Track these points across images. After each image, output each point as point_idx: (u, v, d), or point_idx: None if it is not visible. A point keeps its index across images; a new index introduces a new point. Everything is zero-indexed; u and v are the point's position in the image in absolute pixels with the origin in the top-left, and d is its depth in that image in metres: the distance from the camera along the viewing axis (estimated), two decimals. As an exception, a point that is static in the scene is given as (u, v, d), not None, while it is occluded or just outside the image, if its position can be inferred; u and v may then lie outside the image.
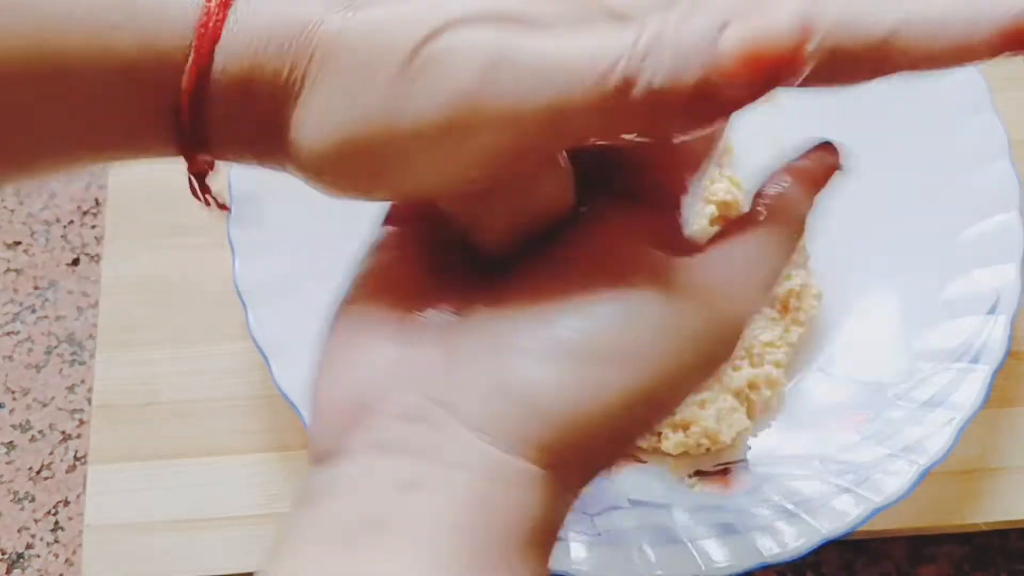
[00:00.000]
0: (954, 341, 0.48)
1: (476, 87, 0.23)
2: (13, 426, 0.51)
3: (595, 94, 0.23)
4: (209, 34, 0.24)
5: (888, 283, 0.51)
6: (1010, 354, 0.47)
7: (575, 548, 0.44)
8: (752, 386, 0.49)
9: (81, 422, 0.51)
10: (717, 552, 0.44)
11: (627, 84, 0.23)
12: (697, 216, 0.50)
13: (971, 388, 0.46)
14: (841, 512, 0.44)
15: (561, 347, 0.24)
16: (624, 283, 0.25)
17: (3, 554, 0.49)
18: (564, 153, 0.27)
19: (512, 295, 0.26)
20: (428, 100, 0.23)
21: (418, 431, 0.24)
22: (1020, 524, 0.49)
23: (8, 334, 0.53)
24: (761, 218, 0.28)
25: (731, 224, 0.28)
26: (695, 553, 0.44)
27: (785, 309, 0.50)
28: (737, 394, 0.48)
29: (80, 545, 0.48)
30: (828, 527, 0.44)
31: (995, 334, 0.47)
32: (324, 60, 0.24)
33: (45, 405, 0.52)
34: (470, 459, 0.24)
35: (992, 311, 0.48)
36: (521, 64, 0.23)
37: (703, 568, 0.43)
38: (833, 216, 0.53)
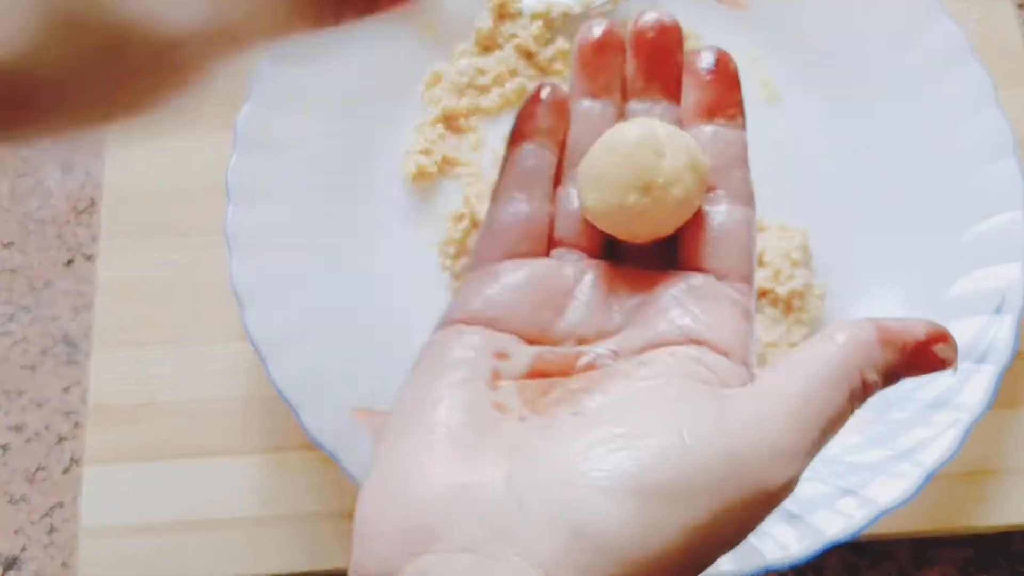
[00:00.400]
0: (959, 341, 0.47)
1: None
2: (8, 427, 0.51)
3: None
4: None
5: (892, 282, 0.51)
6: (1017, 354, 0.47)
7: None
8: (755, 387, 0.48)
9: (77, 423, 0.51)
10: (719, 555, 0.43)
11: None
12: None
13: (977, 389, 0.46)
14: (845, 515, 0.44)
15: (627, 482, 0.24)
16: (680, 420, 0.25)
17: (-2, 557, 0.49)
18: None
19: (577, 424, 0.26)
20: None
21: (477, 564, 0.24)
22: (1025, 527, 0.49)
23: (3, 334, 0.53)
24: (833, 348, 0.28)
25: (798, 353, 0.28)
26: (697, 556, 0.43)
27: (788, 309, 0.50)
28: (739, 395, 0.48)
29: (76, 548, 0.48)
30: (832, 530, 0.43)
31: (1001, 334, 0.47)
32: None
33: (40, 406, 0.51)
34: None
35: (998, 311, 0.47)
36: None
37: (705, 572, 0.43)
38: (837, 215, 0.53)
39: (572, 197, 0.32)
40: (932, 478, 0.44)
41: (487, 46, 0.56)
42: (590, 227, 0.32)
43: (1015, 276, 0.48)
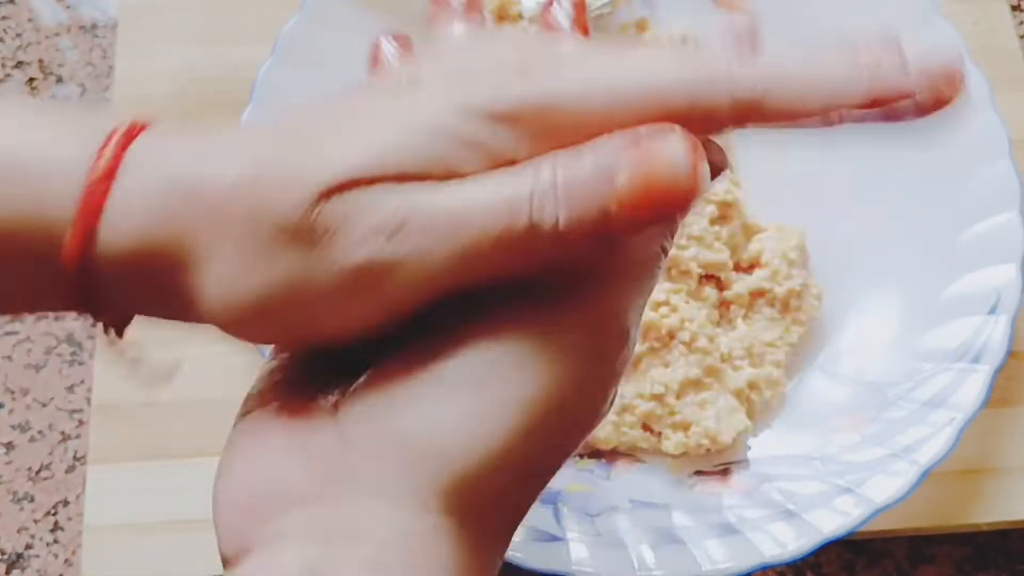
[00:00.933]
0: (955, 341, 0.48)
1: (385, 249, 0.23)
2: (12, 426, 0.51)
3: (504, 239, 0.23)
4: (91, 209, 0.23)
5: (888, 283, 0.51)
6: (1011, 354, 0.47)
7: (576, 549, 0.44)
8: (752, 386, 0.49)
9: (80, 422, 0.51)
10: (717, 552, 0.44)
11: (533, 227, 0.23)
12: (697, 216, 0.50)
13: (972, 388, 0.46)
14: (842, 512, 0.44)
15: (446, 390, 0.24)
16: (502, 330, 0.24)
17: (2, 554, 0.49)
18: None
19: (400, 367, 0.25)
20: (335, 264, 0.23)
21: (318, 514, 0.23)
22: (1021, 524, 0.49)
23: (7, 334, 0.53)
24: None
25: None
26: (695, 553, 0.44)
27: (786, 309, 0.50)
28: (737, 394, 0.48)
29: (79, 545, 0.48)
30: (829, 528, 0.44)
31: (996, 334, 0.47)
32: (218, 225, 0.23)
33: (45, 405, 0.52)
34: (373, 527, 0.23)
35: (993, 311, 0.48)
36: (427, 222, 0.23)
37: (703, 568, 0.43)
38: (834, 216, 0.53)
39: None
40: (927, 476, 0.44)
41: (487, 49, 0.57)
42: None
43: (1010, 276, 0.48)
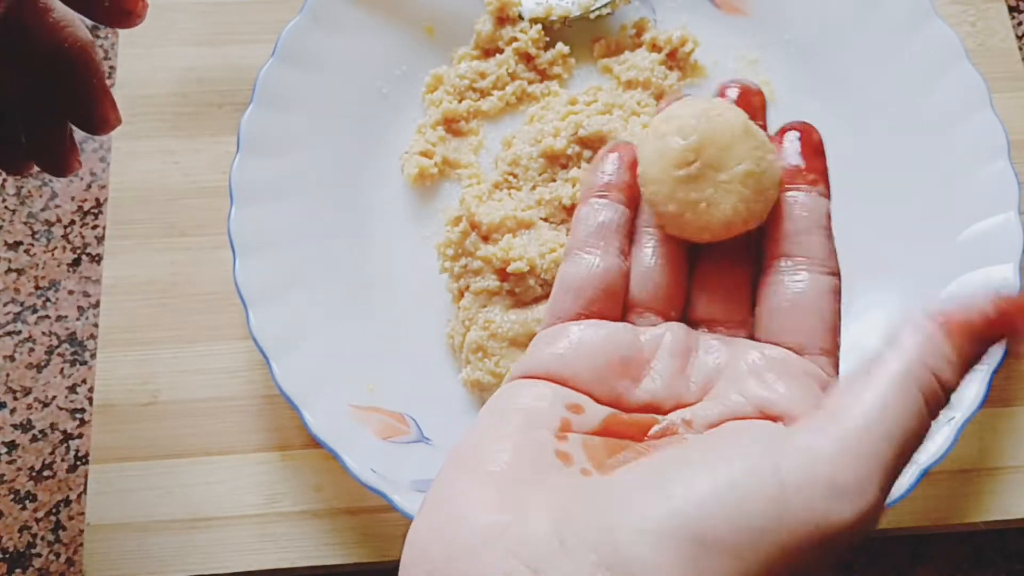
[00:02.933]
0: (953, 341, 0.48)
1: None
2: (14, 426, 0.51)
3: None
4: None
5: (888, 283, 0.51)
6: (1008, 354, 0.47)
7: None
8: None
9: (82, 422, 0.51)
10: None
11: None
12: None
13: (970, 388, 0.46)
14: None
15: (671, 527, 0.23)
16: (733, 461, 0.24)
17: (4, 553, 0.49)
18: None
19: (635, 475, 0.25)
20: None
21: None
22: (1019, 523, 0.49)
23: (9, 334, 0.53)
24: (893, 356, 0.26)
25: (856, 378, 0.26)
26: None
27: (784, 309, 0.50)
28: (736, 394, 0.48)
29: (81, 544, 0.49)
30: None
31: (994, 334, 0.47)
32: None
33: (46, 405, 0.52)
34: None
35: (991, 311, 0.48)
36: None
37: None
38: (833, 216, 0.53)
39: (647, 254, 0.32)
40: (926, 475, 0.45)
41: (487, 49, 0.57)
42: (668, 286, 0.31)
43: (1008, 277, 0.48)
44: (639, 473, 0.25)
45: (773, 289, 0.31)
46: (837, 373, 0.30)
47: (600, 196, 0.32)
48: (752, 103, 0.33)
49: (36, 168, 0.40)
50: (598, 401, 0.29)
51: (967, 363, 0.26)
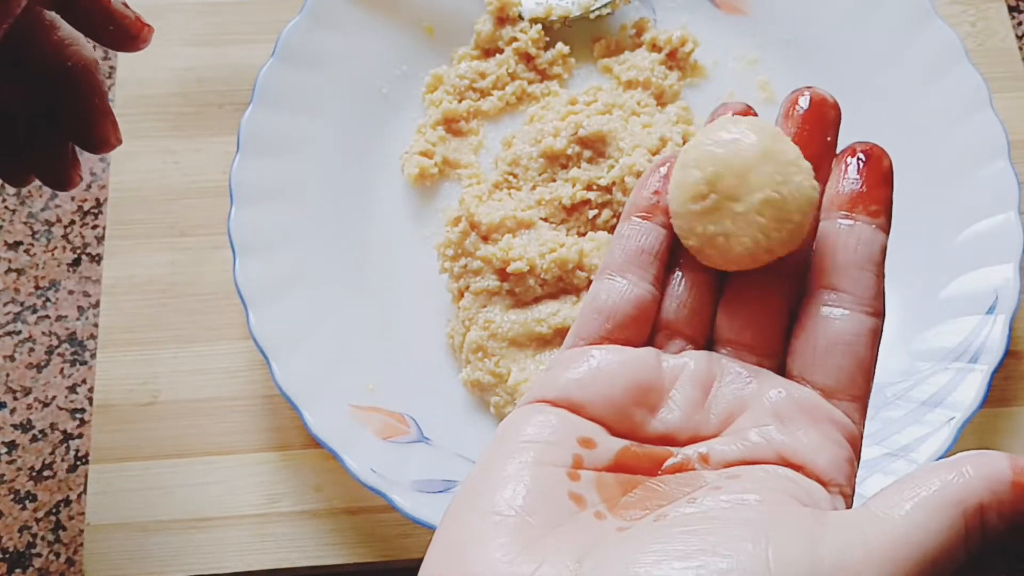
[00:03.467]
0: (953, 340, 0.48)
1: None
2: (14, 426, 0.51)
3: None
4: None
5: (887, 282, 0.51)
6: (1009, 354, 0.47)
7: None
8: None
9: (82, 422, 0.51)
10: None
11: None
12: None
13: (970, 388, 0.46)
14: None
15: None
16: (767, 541, 0.24)
17: (4, 553, 0.49)
18: None
19: (657, 532, 0.25)
20: None
21: None
22: (1019, 523, 0.49)
23: (9, 334, 0.53)
24: (953, 475, 0.25)
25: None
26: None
27: (784, 309, 0.50)
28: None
29: (81, 544, 0.49)
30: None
31: (994, 334, 0.47)
32: None
33: (46, 405, 0.52)
34: None
35: (991, 311, 0.48)
36: None
37: None
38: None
39: (680, 277, 0.31)
40: (926, 475, 0.45)
41: (487, 49, 0.57)
42: (699, 311, 0.30)
43: (1008, 276, 0.48)
44: (665, 531, 0.24)
45: (812, 323, 0.29)
46: (864, 420, 0.29)
47: (643, 217, 0.31)
48: (825, 116, 0.31)
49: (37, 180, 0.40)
50: (612, 431, 0.28)
51: (1021, 527, 0.25)
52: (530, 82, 0.56)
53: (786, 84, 0.56)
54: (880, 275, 0.30)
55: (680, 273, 0.31)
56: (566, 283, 0.50)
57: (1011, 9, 0.60)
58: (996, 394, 0.48)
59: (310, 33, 0.54)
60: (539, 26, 0.56)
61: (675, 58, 0.57)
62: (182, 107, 0.57)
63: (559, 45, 0.56)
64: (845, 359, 0.29)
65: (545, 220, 0.51)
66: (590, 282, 0.48)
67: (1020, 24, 0.60)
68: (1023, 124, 0.56)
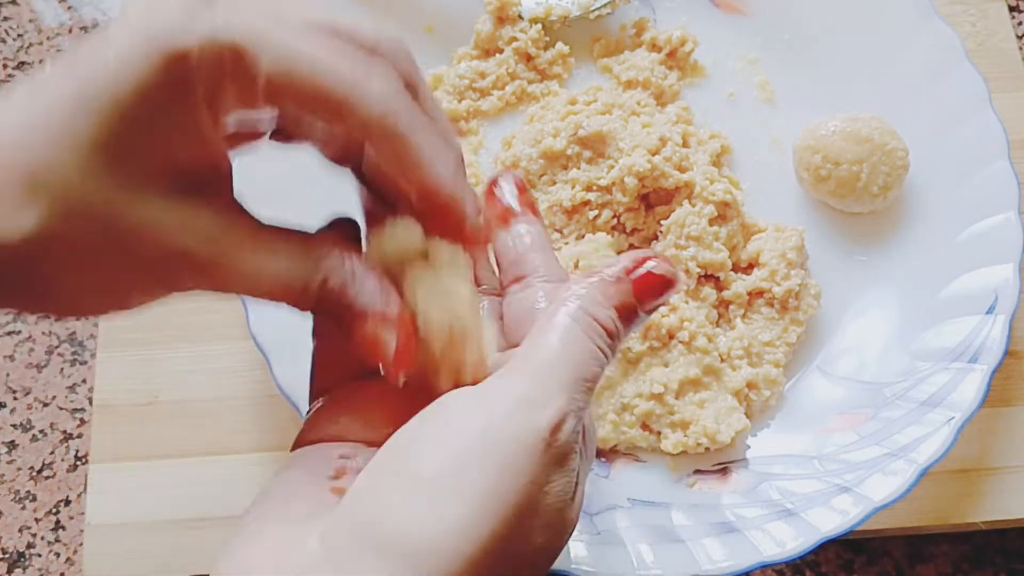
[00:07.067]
0: (953, 341, 0.48)
1: None
2: (14, 425, 0.51)
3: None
4: None
5: (887, 283, 0.52)
6: (1008, 354, 0.47)
7: (575, 547, 0.44)
8: (751, 386, 0.49)
9: (82, 422, 0.51)
10: (716, 551, 0.44)
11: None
12: (696, 216, 0.50)
13: (969, 388, 0.46)
14: (840, 511, 0.44)
15: (404, 479, 0.26)
16: (448, 413, 0.28)
17: (4, 553, 0.49)
18: None
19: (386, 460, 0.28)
20: None
21: None
22: (1019, 523, 0.49)
23: (9, 334, 0.53)
24: (562, 312, 0.30)
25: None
26: (694, 552, 0.44)
27: (784, 309, 0.50)
28: (736, 394, 0.48)
29: (81, 544, 0.49)
30: (827, 526, 0.44)
31: (993, 334, 0.47)
32: None
33: (46, 405, 0.52)
34: None
35: (990, 311, 0.48)
36: None
37: (702, 567, 0.43)
38: (833, 216, 0.54)
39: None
40: (925, 475, 0.45)
41: (487, 49, 0.57)
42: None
43: (1008, 276, 0.48)
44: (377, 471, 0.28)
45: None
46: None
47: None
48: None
49: None
50: (369, 445, 0.31)
51: (627, 310, 0.30)
52: (530, 82, 0.56)
53: (786, 84, 0.56)
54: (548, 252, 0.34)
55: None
56: (566, 283, 0.50)
57: (1011, 9, 0.60)
58: (996, 394, 0.48)
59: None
60: (539, 26, 0.56)
61: (675, 58, 0.57)
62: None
63: (559, 45, 0.56)
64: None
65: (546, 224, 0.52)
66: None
67: (1020, 24, 0.60)
68: (1023, 124, 0.56)
